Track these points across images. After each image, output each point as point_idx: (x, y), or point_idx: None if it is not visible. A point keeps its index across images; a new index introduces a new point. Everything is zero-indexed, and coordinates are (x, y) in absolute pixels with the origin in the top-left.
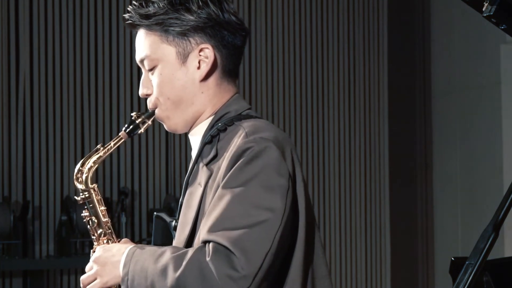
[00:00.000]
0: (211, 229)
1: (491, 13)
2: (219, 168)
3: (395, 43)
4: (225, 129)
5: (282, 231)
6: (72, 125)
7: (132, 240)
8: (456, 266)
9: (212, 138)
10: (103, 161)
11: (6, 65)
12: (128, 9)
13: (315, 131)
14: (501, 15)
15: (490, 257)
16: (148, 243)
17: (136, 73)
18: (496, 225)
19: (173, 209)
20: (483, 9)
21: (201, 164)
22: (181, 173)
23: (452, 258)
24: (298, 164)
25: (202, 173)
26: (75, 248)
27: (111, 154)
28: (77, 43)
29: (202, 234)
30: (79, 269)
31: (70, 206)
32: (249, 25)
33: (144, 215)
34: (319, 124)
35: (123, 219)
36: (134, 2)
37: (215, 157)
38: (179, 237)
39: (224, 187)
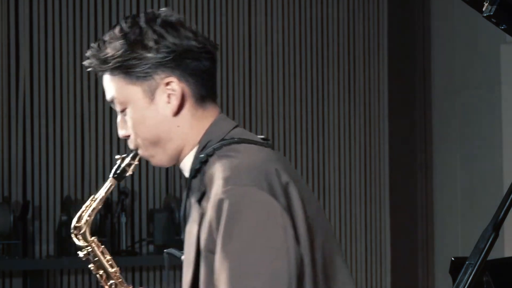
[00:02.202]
0: None
1: (491, 13)
2: (208, 206)
3: (395, 43)
4: (207, 160)
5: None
6: (72, 125)
7: (132, 240)
8: (456, 266)
9: (196, 173)
10: (103, 162)
11: (6, 65)
12: (87, 54)
13: (315, 131)
14: (501, 15)
15: (490, 257)
16: (148, 243)
17: None
18: (496, 225)
19: (173, 209)
20: (483, 9)
21: (192, 200)
22: (181, 173)
23: (452, 258)
24: (291, 181)
25: (195, 211)
26: (75, 248)
27: (111, 154)
28: (77, 43)
29: None
30: (79, 269)
31: (70, 206)
32: (249, 25)
33: (144, 215)
34: (319, 124)
35: (123, 219)
36: (91, 45)
37: (204, 192)
38: (185, 277)
39: (220, 258)
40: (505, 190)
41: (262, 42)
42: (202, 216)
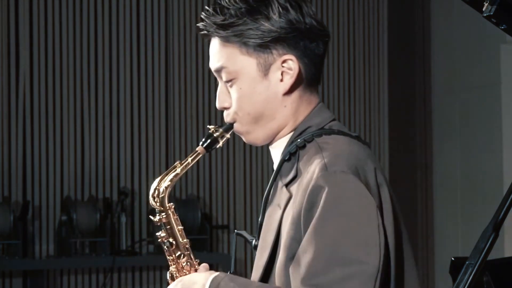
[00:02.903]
0: (303, 282)
1: (491, 13)
2: (298, 191)
3: (395, 43)
4: (304, 146)
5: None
6: (72, 125)
7: (132, 240)
8: (456, 266)
9: (290, 156)
10: (103, 162)
11: (6, 65)
12: (202, 16)
13: None
14: (501, 15)
15: (490, 257)
16: (148, 243)
17: (136, 72)
18: (496, 225)
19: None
20: (483, 9)
21: (280, 184)
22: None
23: (452, 258)
24: (384, 182)
25: (282, 194)
26: (75, 248)
27: (110, 154)
28: (77, 43)
29: (295, 283)
30: (79, 269)
31: (70, 206)
32: None
33: (144, 215)
34: None
35: (123, 219)
36: (206, 8)
37: (294, 177)
38: (259, 261)
39: (309, 240)
40: (505, 190)
41: None
42: (288, 201)
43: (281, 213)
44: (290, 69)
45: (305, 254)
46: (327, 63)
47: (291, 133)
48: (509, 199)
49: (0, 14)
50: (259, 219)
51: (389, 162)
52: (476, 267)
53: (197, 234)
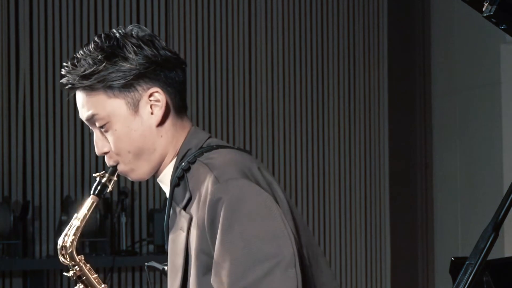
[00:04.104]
0: None
1: (491, 13)
2: (198, 210)
3: (395, 43)
4: (189, 168)
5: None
6: (72, 125)
7: (132, 240)
8: (456, 266)
9: (179, 181)
10: (103, 162)
11: (6, 65)
12: (62, 72)
13: (315, 131)
14: (501, 15)
15: (490, 257)
16: (148, 243)
17: None
18: (496, 225)
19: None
20: (483, 9)
21: (177, 209)
22: None
23: (452, 258)
24: (272, 179)
25: (182, 218)
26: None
27: None
28: (77, 43)
29: None
30: None
31: (70, 206)
32: (249, 25)
33: (144, 215)
34: (319, 124)
35: (123, 219)
36: (64, 64)
37: (190, 199)
38: (172, 285)
39: (222, 249)
40: (505, 190)
41: (262, 42)
42: (190, 222)
43: (185, 235)
44: (157, 101)
45: (223, 265)
46: (327, 63)
47: (173, 161)
48: (509, 199)
49: (0, 14)
50: (165, 246)
51: (389, 162)
52: (476, 267)
53: None
